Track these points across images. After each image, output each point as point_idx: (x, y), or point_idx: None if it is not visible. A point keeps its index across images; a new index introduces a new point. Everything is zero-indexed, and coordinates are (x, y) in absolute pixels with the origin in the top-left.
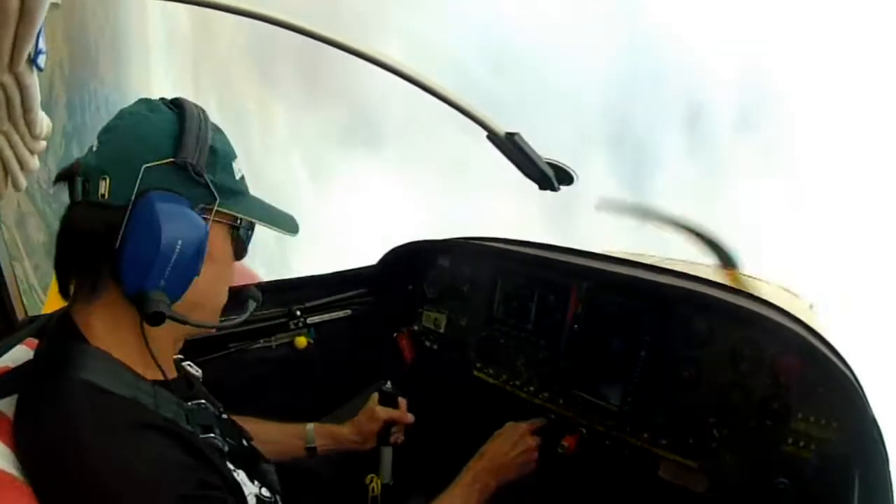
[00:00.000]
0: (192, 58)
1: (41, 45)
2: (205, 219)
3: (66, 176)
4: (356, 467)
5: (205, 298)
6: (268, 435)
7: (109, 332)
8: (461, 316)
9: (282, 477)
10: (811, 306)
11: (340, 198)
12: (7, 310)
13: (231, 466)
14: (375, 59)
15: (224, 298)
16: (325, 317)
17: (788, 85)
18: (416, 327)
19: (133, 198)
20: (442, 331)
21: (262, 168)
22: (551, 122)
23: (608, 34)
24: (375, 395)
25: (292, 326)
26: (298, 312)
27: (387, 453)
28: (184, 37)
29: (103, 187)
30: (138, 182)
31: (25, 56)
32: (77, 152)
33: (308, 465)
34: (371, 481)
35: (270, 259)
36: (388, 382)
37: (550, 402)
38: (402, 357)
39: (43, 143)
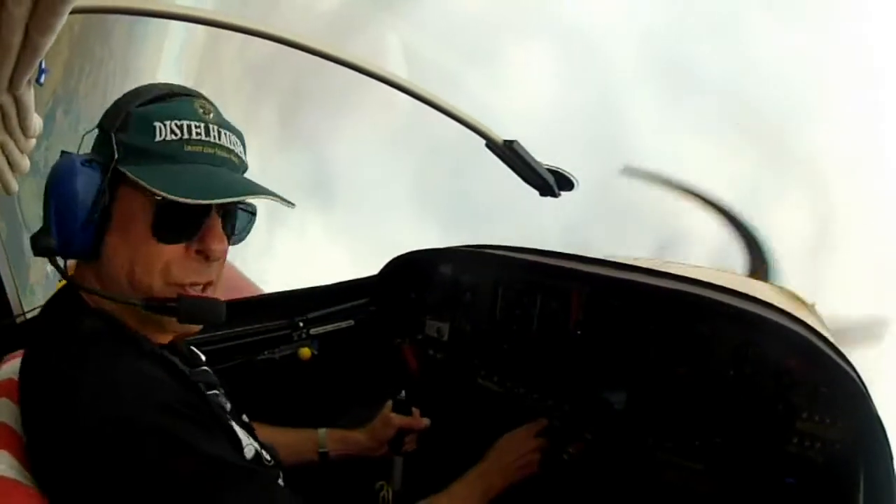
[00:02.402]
0: (197, 66)
1: (44, 67)
2: (103, 177)
3: None
4: (364, 474)
5: (112, 268)
6: (280, 438)
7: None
8: (464, 324)
9: (289, 481)
10: (813, 305)
11: (285, 247)
12: (6, 310)
13: (231, 421)
14: (376, 73)
15: (139, 275)
16: (328, 327)
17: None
18: (419, 336)
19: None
20: (445, 339)
21: None
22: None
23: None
24: (390, 403)
25: (295, 338)
26: (301, 324)
27: (398, 462)
28: (197, 42)
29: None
30: (78, 149)
31: (25, 81)
32: (61, 117)
33: (315, 470)
34: (382, 488)
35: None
36: (403, 392)
37: (555, 408)
38: (405, 367)
39: (33, 142)
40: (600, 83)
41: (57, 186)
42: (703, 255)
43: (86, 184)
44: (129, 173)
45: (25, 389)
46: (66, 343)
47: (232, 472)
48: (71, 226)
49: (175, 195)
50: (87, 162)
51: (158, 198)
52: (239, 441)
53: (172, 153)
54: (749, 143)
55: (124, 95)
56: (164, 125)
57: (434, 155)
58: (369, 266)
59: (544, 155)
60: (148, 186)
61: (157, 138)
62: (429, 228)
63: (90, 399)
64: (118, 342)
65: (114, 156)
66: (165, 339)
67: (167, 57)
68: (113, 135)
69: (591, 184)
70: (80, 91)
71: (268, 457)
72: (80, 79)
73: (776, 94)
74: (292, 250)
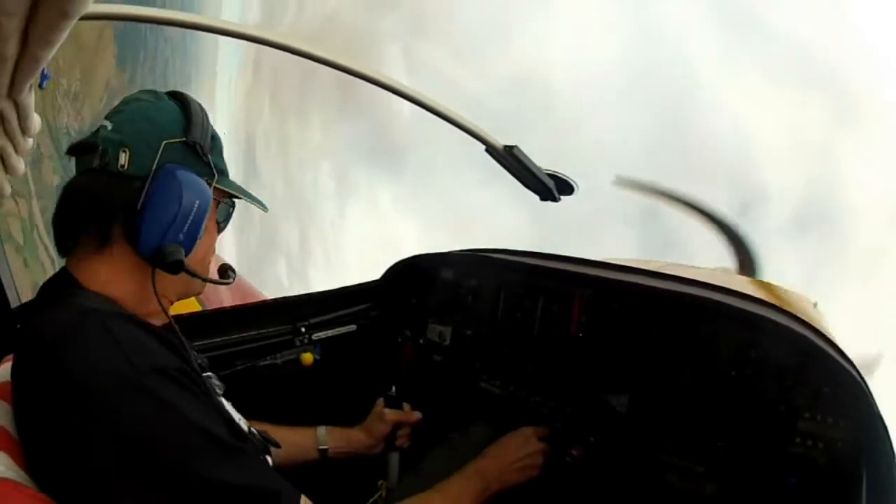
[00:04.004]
0: (255, 47)
1: (46, 72)
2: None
3: (85, 147)
4: (359, 472)
5: (197, 264)
6: (280, 437)
7: (112, 283)
8: (466, 328)
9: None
10: (815, 305)
11: (357, 219)
12: (5, 307)
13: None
14: (379, 81)
15: (209, 268)
16: (330, 332)
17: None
18: (421, 341)
19: (154, 168)
20: (447, 343)
21: (294, 174)
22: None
23: (655, 105)
24: (381, 400)
25: (298, 343)
26: (303, 329)
27: (394, 458)
28: (253, 14)
29: (123, 159)
30: (159, 155)
31: (27, 88)
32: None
33: (311, 468)
34: (381, 487)
35: (291, 267)
36: (393, 388)
37: (557, 411)
38: (407, 370)
39: (31, 141)
40: (663, 30)
41: (191, 201)
42: (783, 213)
43: (208, 196)
44: (222, 187)
45: (20, 362)
46: (63, 316)
47: (219, 445)
48: (195, 237)
49: (261, 207)
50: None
51: (227, 202)
52: (231, 417)
53: (227, 171)
54: (819, 94)
55: (197, 108)
56: (223, 151)
57: (497, 114)
58: (438, 235)
59: (609, 109)
60: (246, 200)
61: (224, 158)
62: (496, 191)
63: (83, 354)
64: (115, 315)
65: (214, 175)
66: (165, 318)
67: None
68: (210, 158)
69: (657, 138)
70: (136, 80)
71: (258, 435)
72: (135, 67)
73: (849, 44)
74: (364, 221)
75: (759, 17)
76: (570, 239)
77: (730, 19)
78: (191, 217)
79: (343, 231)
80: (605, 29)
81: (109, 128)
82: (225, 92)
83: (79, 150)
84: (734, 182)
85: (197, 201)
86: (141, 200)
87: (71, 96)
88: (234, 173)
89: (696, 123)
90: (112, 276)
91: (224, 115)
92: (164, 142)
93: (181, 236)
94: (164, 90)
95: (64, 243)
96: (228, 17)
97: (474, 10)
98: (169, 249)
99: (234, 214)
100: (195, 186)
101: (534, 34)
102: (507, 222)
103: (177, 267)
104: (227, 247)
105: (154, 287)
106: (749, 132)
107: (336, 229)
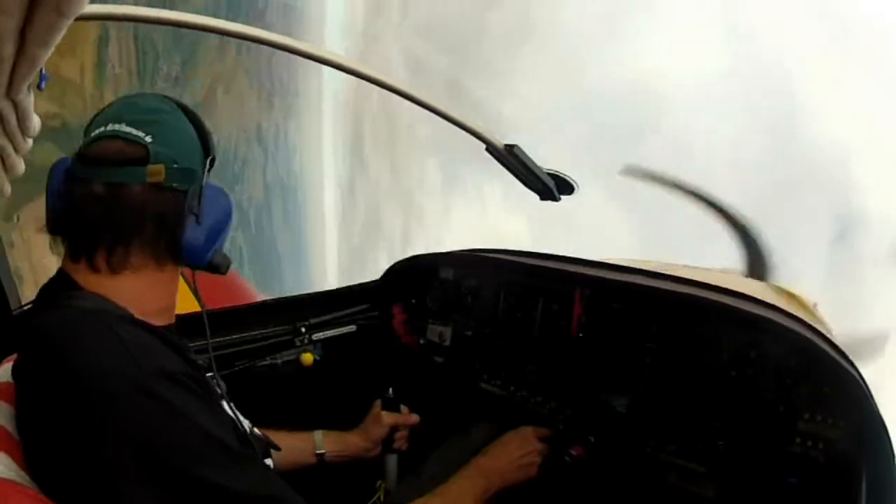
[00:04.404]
0: (363, 35)
1: (45, 72)
2: None
3: (131, 159)
4: (358, 474)
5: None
6: (277, 441)
7: (115, 285)
8: (465, 328)
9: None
10: (815, 305)
11: (462, 215)
12: (5, 307)
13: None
14: (379, 80)
15: None
16: (330, 333)
17: None
18: (421, 341)
19: (203, 185)
20: (447, 343)
21: (401, 165)
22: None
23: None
24: (379, 402)
25: (298, 343)
26: (303, 329)
27: (392, 461)
28: (356, 13)
29: (174, 174)
30: (206, 173)
31: (25, 87)
32: (220, 95)
33: (310, 472)
34: (379, 488)
35: (392, 259)
36: (390, 389)
37: (558, 411)
38: (407, 371)
39: (30, 142)
40: (769, 38)
41: (231, 214)
42: (884, 239)
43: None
44: None
45: (23, 363)
46: (67, 317)
47: (226, 452)
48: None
49: None
50: None
51: None
52: (233, 418)
53: None
54: None
55: (202, 120)
56: None
57: (606, 116)
58: (548, 235)
59: (708, 122)
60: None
61: None
62: (605, 196)
63: (88, 356)
64: (119, 317)
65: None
66: (165, 318)
67: (330, 29)
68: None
69: (758, 152)
70: (242, 66)
71: (259, 434)
72: (238, 53)
73: None
74: (469, 217)
75: (866, 21)
76: (676, 247)
77: (835, 23)
78: (230, 228)
79: (447, 227)
80: (706, 39)
81: (150, 139)
82: (331, 80)
83: (121, 160)
84: (833, 203)
85: (232, 213)
86: (200, 216)
87: (171, 81)
88: (343, 160)
89: (798, 139)
90: (120, 281)
91: (330, 100)
92: (209, 158)
93: (222, 244)
94: (270, 78)
95: (88, 249)
96: (333, 13)
97: (579, 17)
98: (220, 258)
99: (340, 201)
100: (230, 200)
101: (638, 43)
102: (615, 227)
103: (226, 270)
104: (330, 236)
105: (196, 293)
106: (852, 153)
107: (440, 225)
